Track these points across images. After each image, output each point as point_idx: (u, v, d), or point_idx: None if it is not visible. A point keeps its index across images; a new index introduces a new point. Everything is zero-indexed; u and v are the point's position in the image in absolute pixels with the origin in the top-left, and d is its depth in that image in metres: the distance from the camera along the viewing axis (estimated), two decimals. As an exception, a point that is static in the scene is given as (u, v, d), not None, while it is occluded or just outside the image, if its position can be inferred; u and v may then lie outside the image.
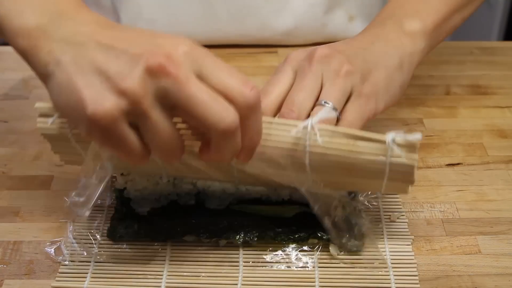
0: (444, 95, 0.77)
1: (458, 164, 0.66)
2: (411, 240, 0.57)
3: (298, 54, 0.57)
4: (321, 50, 0.56)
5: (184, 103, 0.42)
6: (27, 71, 0.80)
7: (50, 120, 0.49)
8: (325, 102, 0.53)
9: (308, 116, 0.53)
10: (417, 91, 0.77)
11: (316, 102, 0.54)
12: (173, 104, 0.42)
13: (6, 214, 0.60)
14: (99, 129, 0.42)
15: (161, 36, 0.44)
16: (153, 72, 0.42)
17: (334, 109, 0.53)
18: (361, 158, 0.49)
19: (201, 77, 0.43)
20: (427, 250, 0.56)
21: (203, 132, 0.45)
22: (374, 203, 0.60)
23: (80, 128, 0.44)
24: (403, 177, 0.50)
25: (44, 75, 0.46)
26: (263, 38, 0.85)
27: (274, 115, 0.54)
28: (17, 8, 0.47)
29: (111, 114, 0.42)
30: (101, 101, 0.42)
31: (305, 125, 0.49)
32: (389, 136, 0.49)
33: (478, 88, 0.78)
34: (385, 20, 0.63)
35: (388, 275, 0.53)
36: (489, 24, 1.64)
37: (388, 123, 0.71)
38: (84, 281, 0.53)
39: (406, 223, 0.58)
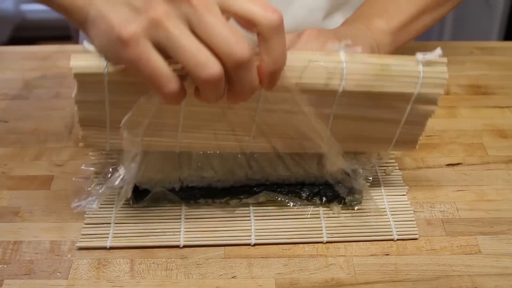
0: (444, 95, 0.77)
1: (458, 164, 0.66)
2: (406, 189, 0.62)
3: (287, 37, 0.60)
4: (309, 30, 0.60)
5: (201, 30, 0.44)
6: (27, 71, 0.80)
7: (87, 49, 0.49)
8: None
9: None
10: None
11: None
12: (192, 30, 0.45)
13: (6, 214, 0.60)
14: (128, 52, 0.45)
15: None
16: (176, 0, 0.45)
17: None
18: (395, 70, 0.52)
19: (223, 5, 0.45)
20: (427, 250, 0.56)
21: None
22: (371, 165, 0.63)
23: (113, 55, 0.47)
24: (429, 98, 0.53)
25: (82, 21, 0.50)
26: None
27: None
28: None
29: (136, 32, 0.44)
30: (127, 23, 0.45)
31: (342, 51, 0.51)
32: (419, 55, 0.52)
33: (478, 88, 0.78)
34: (357, 18, 0.68)
35: (388, 221, 0.59)
36: (489, 24, 1.64)
37: (388, 123, 0.72)
38: (107, 240, 0.57)
39: (400, 176, 0.64)
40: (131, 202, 0.59)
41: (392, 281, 0.54)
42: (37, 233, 0.58)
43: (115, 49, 0.46)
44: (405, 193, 0.62)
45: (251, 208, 0.60)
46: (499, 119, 0.73)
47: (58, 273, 0.54)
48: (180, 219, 0.59)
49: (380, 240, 0.57)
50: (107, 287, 0.53)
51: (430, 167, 0.66)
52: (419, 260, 0.55)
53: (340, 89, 0.51)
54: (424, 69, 0.52)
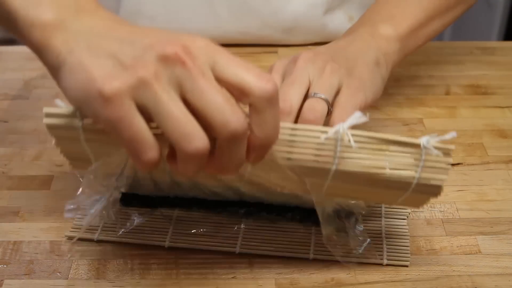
0: (444, 95, 0.77)
1: (458, 164, 0.66)
2: (408, 213, 0.59)
3: (282, 62, 0.60)
4: (304, 54, 0.58)
5: (195, 97, 0.40)
6: (27, 71, 0.80)
7: (60, 105, 0.45)
8: (315, 94, 0.54)
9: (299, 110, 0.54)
10: (417, 91, 0.77)
11: (308, 95, 0.55)
12: (183, 96, 0.41)
13: (6, 214, 0.60)
14: (108, 111, 0.40)
15: (178, 33, 0.43)
16: (168, 60, 0.40)
17: (326, 101, 0.54)
18: (394, 161, 0.48)
19: (216, 71, 0.42)
20: (427, 250, 0.56)
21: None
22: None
23: (89, 112, 0.42)
24: (430, 188, 0.49)
25: (55, 67, 0.44)
26: (263, 36, 0.85)
27: None
28: (35, 0, 0.45)
29: (120, 90, 0.40)
30: (111, 78, 0.40)
31: (336, 130, 0.47)
32: (423, 139, 0.47)
33: (478, 88, 0.78)
34: (362, 25, 0.65)
35: (381, 245, 0.56)
36: (489, 24, 1.64)
37: (388, 123, 0.72)
38: (95, 233, 0.57)
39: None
40: (121, 204, 0.58)
41: (392, 281, 0.54)
42: (37, 233, 0.58)
43: (93, 105, 0.41)
44: (405, 217, 0.59)
45: (242, 222, 0.58)
46: (499, 119, 0.73)
47: (58, 273, 0.54)
48: (171, 220, 0.59)
49: (369, 264, 0.55)
50: (107, 287, 0.53)
51: (430, 167, 0.66)
52: (419, 260, 0.55)
53: (333, 168, 0.48)
54: (426, 158, 0.47)
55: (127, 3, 0.83)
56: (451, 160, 0.48)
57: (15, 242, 0.57)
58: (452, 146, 0.48)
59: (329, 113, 0.55)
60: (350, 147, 0.47)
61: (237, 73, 0.42)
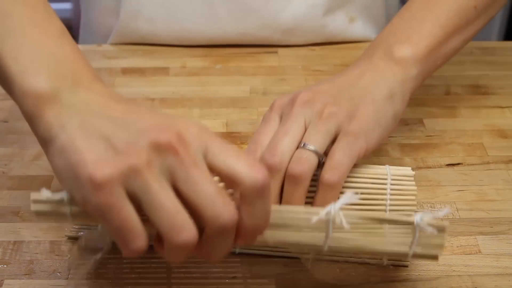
0: (444, 95, 0.77)
1: (458, 164, 0.66)
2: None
3: (282, 101, 0.57)
4: (303, 94, 0.55)
5: (187, 187, 0.40)
6: (27, 71, 0.80)
7: (45, 193, 0.43)
8: (305, 145, 0.52)
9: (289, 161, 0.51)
10: (417, 91, 0.77)
11: (298, 145, 0.52)
12: (174, 184, 0.41)
13: (6, 214, 0.60)
14: (98, 197, 0.39)
15: (173, 116, 0.43)
16: (161, 148, 0.40)
17: (316, 152, 0.51)
18: (387, 240, 0.47)
19: (208, 159, 0.42)
20: (427, 250, 0.56)
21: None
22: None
23: (77, 195, 0.41)
24: (427, 257, 0.48)
25: (46, 139, 0.44)
26: (263, 37, 0.85)
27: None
28: (33, 68, 0.45)
29: (112, 177, 0.39)
30: (102, 164, 0.39)
31: (327, 211, 0.46)
32: (417, 217, 0.47)
33: (478, 88, 0.78)
34: (375, 48, 0.60)
35: None
36: (489, 24, 1.64)
37: (388, 123, 0.71)
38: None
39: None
40: None
41: (392, 281, 0.54)
42: (37, 233, 0.58)
43: (82, 189, 0.40)
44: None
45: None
46: (499, 119, 0.73)
47: (58, 273, 0.54)
48: None
49: (369, 264, 0.55)
50: (107, 286, 0.53)
51: (430, 167, 0.66)
52: (419, 260, 0.55)
53: (326, 248, 0.47)
54: (420, 234, 0.47)
55: (127, 4, 0.83)
56: (445, 236, 0.47)
57: (15, 242, 0.57)
58: (446, 223, 0.47)
59: (320, 165, 0.52)
60: (343, 227, 0.46)
61: (229, 162, 0.42)
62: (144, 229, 0.41)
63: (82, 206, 0.42)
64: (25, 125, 0.71)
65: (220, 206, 0.40)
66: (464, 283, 0.53)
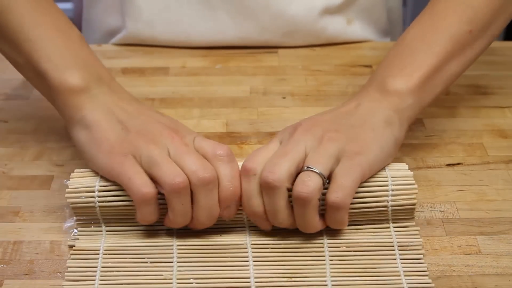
0: (444, 95, 0.77)
1: (458, 164, 0.66)
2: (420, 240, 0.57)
3: (284, 130, 0.58)
4: (305, 123, 0.57)
5: (176, 156, 0.54)
6: (27, 71, 0.80)
7: (82, 196, 0.55)
8: (308, 168, 0.52)
9: (291, 181, 0.53)
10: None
11: (302, 169, 0.53)
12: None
13: (6, 214, 0.60)
14: (114, 162, 0.54)
15: (171, 118, 0.60)
16: (162, 136, 0.55)
17: (320, 174, 0.52)
18: None
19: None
20: (427, 250, 0.56)
21: None
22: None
23: (95, 162, 0.55)
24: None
25: (74, 119, 0.57)
26: (262, 40, 0.85)
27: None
28: (65, 65, 0.58)
29: (126, 150, 0.54)
30: (120, 141, 0.55)
31: None
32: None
33: (478, 88, 0.78)
34: (371, 82, 0.62)
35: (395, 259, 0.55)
36: (489, 24, 1.64)
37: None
38: (100, 240, 0.56)
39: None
40: None
41: (392, 281, 0.54)
42: (37, 233, 0.58)
43: (103, 157, 0.54)
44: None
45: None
46: (499, 119, 0.73)
47: (58, 273, 0.54)
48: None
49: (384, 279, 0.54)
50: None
51: (430, 167, 0.66)
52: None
53: None
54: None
55: (127, 8, 0.83)
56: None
57: (15, 242, 0.57)
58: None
59: (325, 186, 0.53)
60: None
61: (206, 144, 0.55)
62: (150, 181, 0.53)
63: (99, 170, 0.55)
64: (25, 125, 0.72)
65: (199, 165, 0.53)
66: (464, 283, 0.53)
